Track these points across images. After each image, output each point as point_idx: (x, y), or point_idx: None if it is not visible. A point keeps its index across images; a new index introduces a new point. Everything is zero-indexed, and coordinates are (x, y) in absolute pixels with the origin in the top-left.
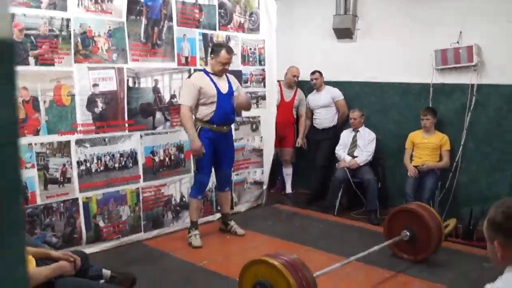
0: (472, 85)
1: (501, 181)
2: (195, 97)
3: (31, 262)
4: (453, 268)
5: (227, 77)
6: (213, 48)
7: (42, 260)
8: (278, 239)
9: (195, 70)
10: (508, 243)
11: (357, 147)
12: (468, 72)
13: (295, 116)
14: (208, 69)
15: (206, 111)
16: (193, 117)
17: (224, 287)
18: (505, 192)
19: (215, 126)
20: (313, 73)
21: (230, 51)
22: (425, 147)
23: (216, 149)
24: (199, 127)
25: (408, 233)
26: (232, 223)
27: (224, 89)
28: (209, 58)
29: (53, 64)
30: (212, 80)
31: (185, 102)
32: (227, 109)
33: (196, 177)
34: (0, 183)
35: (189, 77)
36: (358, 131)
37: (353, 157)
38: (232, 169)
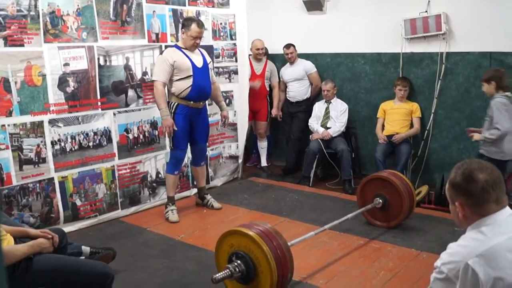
0: (441, 53)
1: (471, 147)
2: (168, 72)
3: (9, 240)
4: (425, 233)
5: (200, 51)
6: (184, 22)
7: (21, 239)
8: (254, 212)
9: (166, 47)
10: (469, 203)
11: (330, 118)
12: (437, 41)
13: (267, 89)
14: (180, 44)
15: (182, 86)
16: (168, 93)
17: (202, 258)
18: (475, 158)
19: (192, 102)
20: (288, 47)
21: (201, 25)
22: (396, 113)
23: (192, 125)
24: (175, 104)
25: (380, 200)
26: (209, 197)
27: (199, 63)
28: (180, 33)
29: (22, 45)
30: (185, 54)
31: (158, 77)
32: (204, 83)
33: (172, 153)
34: None
35: (161, 53)
36: (330, 102)
37: (326, 128)
38: (207, 143)
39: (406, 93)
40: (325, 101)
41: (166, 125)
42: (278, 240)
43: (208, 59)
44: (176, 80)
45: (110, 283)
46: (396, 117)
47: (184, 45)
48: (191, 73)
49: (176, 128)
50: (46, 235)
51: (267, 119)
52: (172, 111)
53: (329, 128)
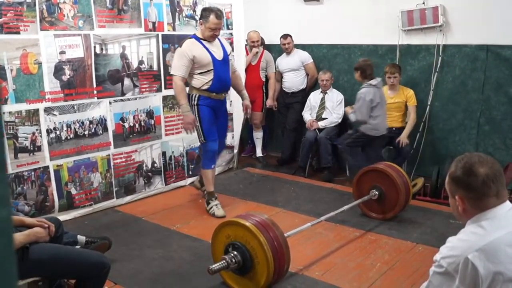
0: (438, 46)
1: (467, 139)
2: (188, 67)
3: None
4: (421, 225)
5: (220, 41)
6: (202, 13)
7: (17, 228)
8: (250, 202)
9: (163, 36)
10: (469, 197)
11: (326, 109)
12: (434, 33)
13: (263, 79)
14: (199, 34)
15: (203, 80)
16: (188, 86)
17: (197, 249)
18: (471, 150)
19: (214, 94)
20: (285, 37)
21: (219, 15)
22: (391, 107)
23: (214, 116)
24: (197, 95)
25: (376, 192)
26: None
27: (219, 55)
28: (198, 23)
29: (18, 32)
30: (205, 46)
31: (177, 72)
32: (225, 76)
33: (204, 146)
34: None
35: (180, 45)
36: (326, 93)
37: (322, 119)
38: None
39: (396, 80)
40: (321, 91)
41: (188, 121)
42: (275, 231)
43: (228, 50)
44: (197, 74)
45: (106, 273)
46: (392, 112)
47: (203, 36)
48: (212, 67)
49: (197, 124)
50: (42, 224)
51: (262, 110)
52: (195, 103)
53: (325, 118)
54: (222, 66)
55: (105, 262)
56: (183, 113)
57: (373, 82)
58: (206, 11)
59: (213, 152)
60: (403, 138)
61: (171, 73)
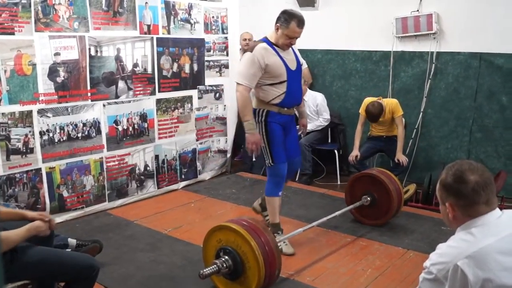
0: (432, 53)
1: (459, 146)
2: (257, 76)
3: None
4: (412, 232)
5: (292, 49)
6: (281, 16)
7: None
8: (242, 207)
9: (157, 39)
10: (459, 204)
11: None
12: (427, 40)
13: None
14: (272, 39)
15: (273, 93)
16: (253, 98)
17: (189, 253)
18: (463, 157)
19: (285, 109)
20: None
21: (301, 24)
22: (379, 124)
23: (285, 134)
24: (264, 110)
25: (368, 198)
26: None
27: (293, 65)
28: (274, 26)
29: (13, 33)
30: (278, 54)
31: (245, 81)
32: (298, 88)
33: (271, 170)
34: None
35: (249, 50)
36: (303, 99)
37: None
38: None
39: (383, 120)
40: None
41: (253, 141)
42: (266, 236)
43: (301, 59)
44: (266, 85)
45: (95, 275)
46: (381, 127)
47: (276, 42)
48: (285, 79)
49: (264, 144)
50: (43, 218)
51: None
52: (262, 119)
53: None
54: (295, 77)
55: (94, 264)
56: (248, 131)
57: None
58: (287, 15)
59: (282, 177)
60: (401, 158)
61: (237, 81)
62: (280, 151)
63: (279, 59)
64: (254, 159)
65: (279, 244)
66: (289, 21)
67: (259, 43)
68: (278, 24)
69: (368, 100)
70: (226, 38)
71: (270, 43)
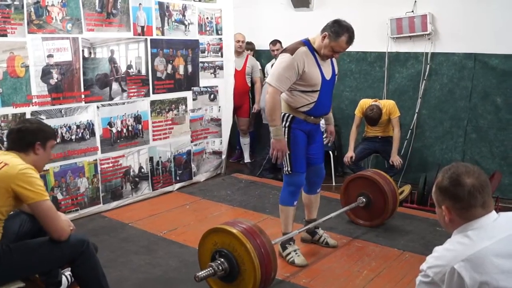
0: (427, 54)
1: (454, 147)
2: (292, 81)
3: None
4: (408, 233)
5: (330, 59)
6: (332, 25)
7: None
8: (237, 208)
9: (151, 41)
10: (455, 207)
11: None
12: (422, 41)
13: (249, 84)
14: (315, 45)
15: (303, 101)
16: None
17: (184, 255)
18: (458, 158)
19: (312, 118)
20: (274, 43)
21: (351, 41)
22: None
23: (308, 142)
24: (290, 116)
25: (364, 199)
26: (321, 232)
27: (328, 74)
28: (320, 34)
29: (5, 35)
30: (317, 62)
31: (277, 84)
32: (328, 98)
33: (289, 179)
34: None
35: (289, 51)
36: None
37: None
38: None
39: (381, 120)
40: None
41: (279, 148)
42: (262, 238)
43: (336, 69)
44: (298, 91)
45: (87, 247)
46: (377, 129)
47: (318, 49)
48: (319, 88)
49: (288, 151)
50: (70, 224)
51: (249, 115)
52: (287, 124)
53: None
54: (327, 88)
55: (83, 238)
56: (275, 136)
57: None
58: (338, 27)
59: (298, 186)
60: (396, 160)
61: (269, 82)
62: (300, 160)
63: (317, 68)
64: (246, 161)
65: (290, 256)
66: (340, 34)
67: (300, 46)
68: (325, 33)
69: (364, 101)
70: (220, 39)
71: (312, 49)
